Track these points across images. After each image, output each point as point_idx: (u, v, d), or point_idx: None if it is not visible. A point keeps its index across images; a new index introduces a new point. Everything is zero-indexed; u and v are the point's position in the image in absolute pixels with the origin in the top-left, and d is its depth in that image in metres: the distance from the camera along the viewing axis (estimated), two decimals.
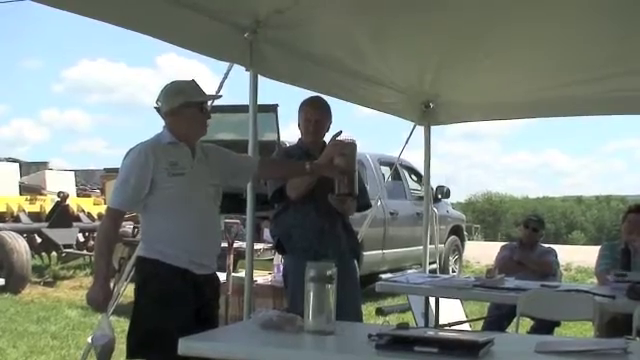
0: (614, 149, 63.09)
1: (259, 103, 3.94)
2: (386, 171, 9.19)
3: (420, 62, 4.79)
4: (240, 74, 3.83)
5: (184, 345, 2.35)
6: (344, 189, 3.50)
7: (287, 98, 5.20)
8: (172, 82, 3.17)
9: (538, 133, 65.59)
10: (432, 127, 5.94)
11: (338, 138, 3.55)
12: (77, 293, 9.15)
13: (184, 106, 3.06)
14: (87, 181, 15.07)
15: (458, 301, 5.97)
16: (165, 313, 2.95)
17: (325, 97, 3.93)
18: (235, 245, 4.91)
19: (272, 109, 7.13)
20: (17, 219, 10.36)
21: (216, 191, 3.19)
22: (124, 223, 11.44)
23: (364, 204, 3.93)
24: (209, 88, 3.39)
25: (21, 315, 7.51)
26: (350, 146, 3.52)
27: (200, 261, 3.08)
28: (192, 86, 3.13)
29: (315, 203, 3.62)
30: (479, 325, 5.51)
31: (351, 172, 3.49)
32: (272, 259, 5.40)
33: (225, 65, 3.90)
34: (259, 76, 3.88)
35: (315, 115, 3.72)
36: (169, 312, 2.95)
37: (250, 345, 2.38)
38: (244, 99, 3.97)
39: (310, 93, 4.00)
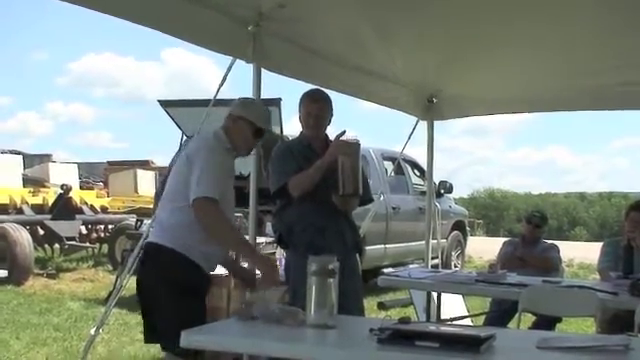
0: (618, 146, 62.98)
1: (262, 97, 3.93)
2: (389, 166, 9.17)
3: (424, 56, 4.78)
4: (244, 68, 3.83)
5: (186, 338, 2.35)
6: (348, 189, 3.47)
7: (290, 92, 5.18)
8: (251, 98, 3.50)
9: (542, 129, 65.48)
10: (435, 122, 5.93)
11: (342, 137, 3.52)
12: (79, 285, 9.18)
13: (241, 119, 3.19)
14: (90, 174, 15.11)
15: (460, 296, 5.97)
16: (193, 304, 3.00)
17: (328, 91, 3.90)
18: None
19: (275, 103, 7.14)
20: (20, 211, 10.41)
21: None
22: (126, 216, 11.52)
23: (366, 198, 3.90)
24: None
25: (24, 307, 7.54)
26: (354, 146, 3.50)
27: (214, 262, 3.15)
28: (259, 110, 3.30)
29: (318, 199, 3.60)
30: (481, 320, 5.52)
31: (355, 172, 3.48)
32: (274, 253, 5.39)
33: (230, 59, 3.90)
34: (262, 70, 3.87)
35: (315, 109, 3.67)
36: (197, 304, 3.02)
37: (252, 338, 2.39)
38: (248, 93, 3.96)
39: (313, 87, 3.97)
